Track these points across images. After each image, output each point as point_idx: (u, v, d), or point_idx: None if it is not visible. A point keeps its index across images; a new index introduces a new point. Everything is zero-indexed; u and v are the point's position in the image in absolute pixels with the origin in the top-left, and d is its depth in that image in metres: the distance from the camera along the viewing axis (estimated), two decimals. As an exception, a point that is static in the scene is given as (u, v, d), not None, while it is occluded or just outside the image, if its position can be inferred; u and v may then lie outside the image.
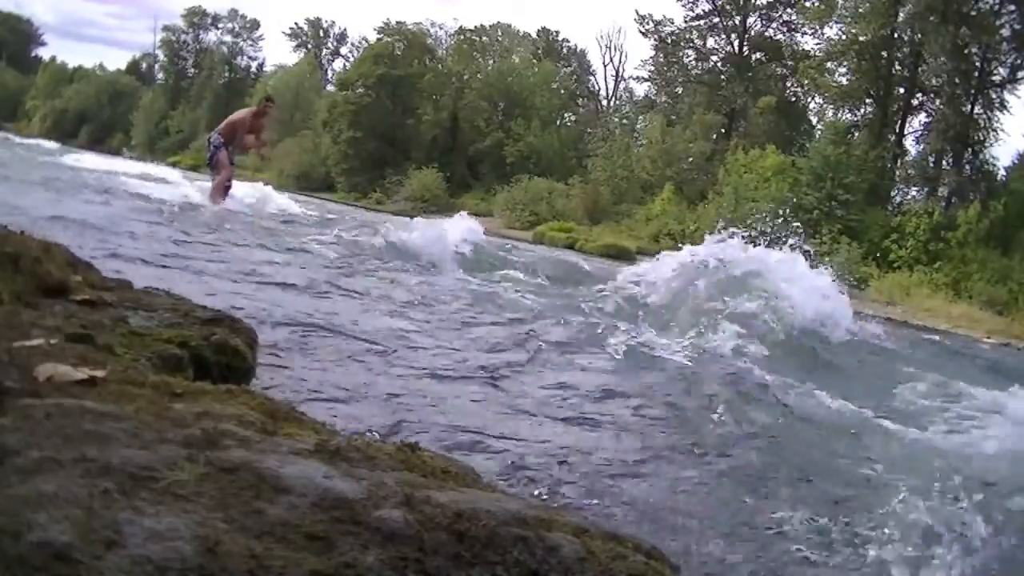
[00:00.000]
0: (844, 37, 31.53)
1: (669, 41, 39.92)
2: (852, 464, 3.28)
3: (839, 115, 32.50)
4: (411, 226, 8.94)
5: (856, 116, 32.42)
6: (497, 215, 33.14)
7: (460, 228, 9.19)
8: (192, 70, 62.47)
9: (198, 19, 62.14)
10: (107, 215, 6.97)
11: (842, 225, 26.12)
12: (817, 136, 32.02)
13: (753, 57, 38.65)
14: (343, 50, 58.90)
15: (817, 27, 34.58)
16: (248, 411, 1.16)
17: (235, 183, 11.42)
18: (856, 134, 30.25)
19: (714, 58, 39.84)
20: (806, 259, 6.81)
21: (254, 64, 61.65)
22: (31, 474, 0.80)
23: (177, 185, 13.27)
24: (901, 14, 30.09)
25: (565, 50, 50.57)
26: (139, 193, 10.47)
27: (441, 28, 46.25)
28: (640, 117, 40.10)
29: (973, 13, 28.35)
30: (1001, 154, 37.42)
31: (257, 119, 11.41)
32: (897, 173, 31.13)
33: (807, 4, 35.48)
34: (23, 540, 0.69)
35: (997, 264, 23.46)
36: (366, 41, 50.64)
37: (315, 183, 41.53)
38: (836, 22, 32.26)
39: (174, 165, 32.92)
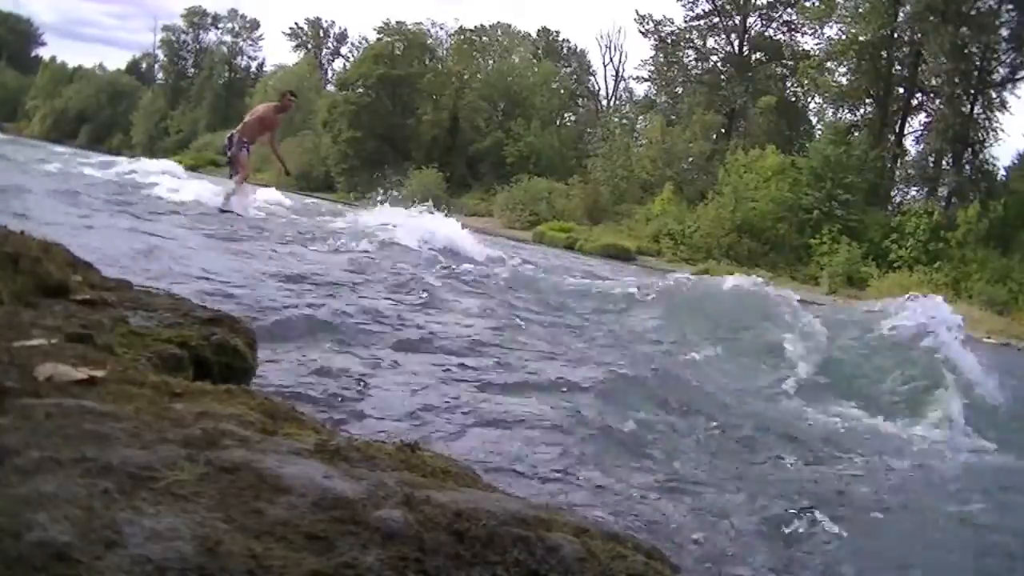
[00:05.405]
0: (844, 37, 31.57)
1: (669, 41, 39.95)
2: (847, 465, 3.28)
3: (839, 115, 32.57)
4: None
5: (856, 116, 32.47)
6: (497, 215, 33.19)
7: None
8: (192, 70, 62.46)
9: (198, 19, 62.15)
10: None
11: (842, 225, 26.15)
12: (817, 136, 32.05)
13: (753, 57, 38.66)
14: (343, 50, 58.99)
15: (817, 27, 34.65)
16: (248, 411, 1.16)
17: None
18: (856, 134, 30.27)
19: (714, 58, 39.89)
20: None
21: (254, 64, 61.77)
22: (31, 474, 0.80)
23: None
24: (901, 14, 30.11)
25: (565, 50, 50.58)
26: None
27: (441, 28, 46.24)
28: (640, 117, 40.13)
29: (973, 13, 28.37)
30: (1001, 154, 37.50)
31: (277, 114, 11.07)
32: (897, 173, 31.16)
33: (807, 4, 35.51)
34: (23, 540, 0.69)
35: (997, 264, 23.48)
36: (366, 41, 50.71)
37: (315, 183, 41.50)
38: (836, 22, 32.34)
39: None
